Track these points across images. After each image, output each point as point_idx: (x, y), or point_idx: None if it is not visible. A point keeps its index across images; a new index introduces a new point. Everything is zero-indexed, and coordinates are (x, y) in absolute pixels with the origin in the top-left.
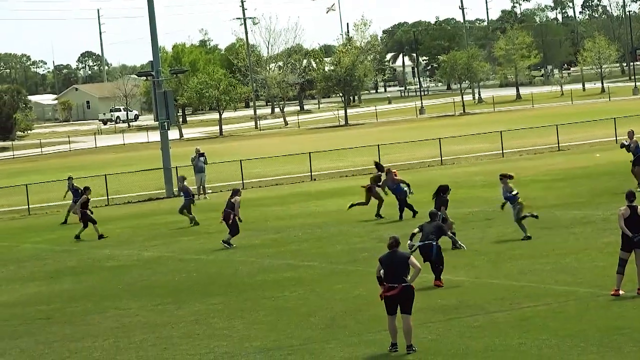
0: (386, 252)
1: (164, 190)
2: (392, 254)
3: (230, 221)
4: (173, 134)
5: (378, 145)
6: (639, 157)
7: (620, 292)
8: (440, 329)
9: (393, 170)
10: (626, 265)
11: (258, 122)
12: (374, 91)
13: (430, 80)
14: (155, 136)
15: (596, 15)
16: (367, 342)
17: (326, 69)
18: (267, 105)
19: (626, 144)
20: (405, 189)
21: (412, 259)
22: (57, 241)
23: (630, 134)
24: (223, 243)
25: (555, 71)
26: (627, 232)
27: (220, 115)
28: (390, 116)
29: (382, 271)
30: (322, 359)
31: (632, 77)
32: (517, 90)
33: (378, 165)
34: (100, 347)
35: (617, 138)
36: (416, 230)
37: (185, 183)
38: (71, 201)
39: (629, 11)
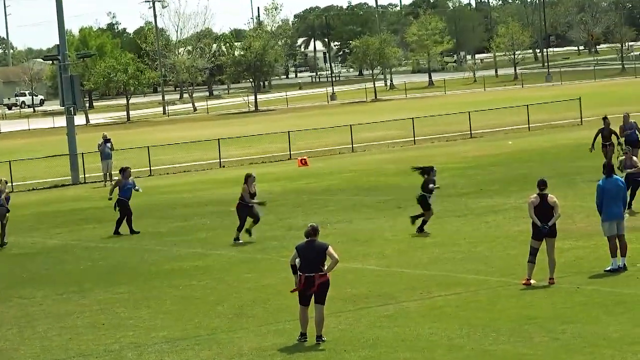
0: (303, 240)
1: (70, 177)
2: (310, 243)
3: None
4: (79, 119)
5: (288, 132)
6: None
7: (532, 281)
8: (350, 318)
9: None
10: (537, 254)
11: (166, 107)
12: (285, 77)
13: (342, 66)
14: (61, 122)
15: (510, 1)
16: (276, 332)
17: (236, 53)
18: (175, 90)
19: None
20: None
21: (330, 249)
22: None
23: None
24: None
25: (468, 57)
26: (536, 221)
27: (128, 100)
28: (302, 102)
29: (297, 260)
30: (230, 349)
31: (545, 64)
32: (430, 77)
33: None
34: (3, 336)
35: (530, 125)
36: None
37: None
38: None
39: None
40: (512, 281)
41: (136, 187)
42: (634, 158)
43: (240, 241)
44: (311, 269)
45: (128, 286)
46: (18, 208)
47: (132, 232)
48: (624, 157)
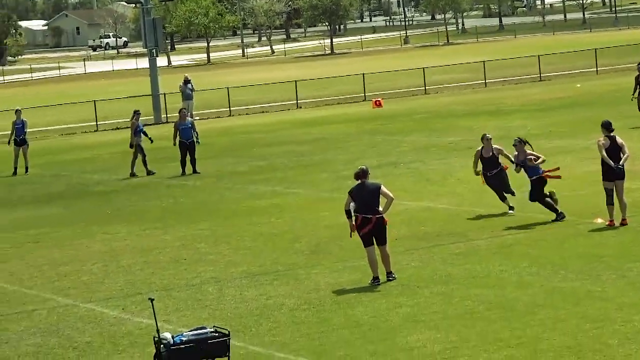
0: (356, 184)
1: (152, 117)
2: (361, 186)
3: None
4: (161, 61)
5: (363, 75)
6: None
7: (614, 222)
8: (423, 255)
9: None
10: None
11: (245, 50)
12: (360, 21)
13: (414, 11)
14: (143, 63)
15: None
16: (352, 269)
17: None
18: (254, 33)
19: None
20: None
21: (383, 188)
22: (46, 166)
23: None
24: None
25: (538, 2)
26: (610, 162)
27: (208, 43)
28: (376, 46)
29: (352, 204)
30: (307, 284)
31: (613, 9)
32: (500, 21)
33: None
34: (88, 270)
35: (598, 69)
36: None
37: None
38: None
39: None
40: (581, 220)
41: (197, 139)
42: None
43: None
44: (367, 210)
45: (209, 223)
46: (102, 146)
47: (149, 173)
48: None
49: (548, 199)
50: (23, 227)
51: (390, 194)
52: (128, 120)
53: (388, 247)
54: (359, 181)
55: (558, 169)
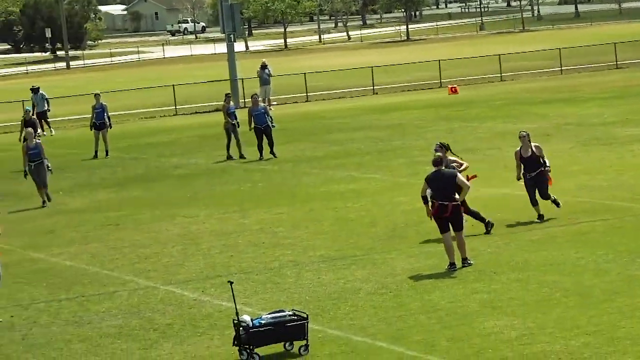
0: (432, 170)
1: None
2: (438, 173)
3: None
4: (239, 46)
5: (439, 61)
6: None
7: None
8: (499, 242)
9: None
10: None
11: (322, 36)
12: (435, 7)
13: None
14: (221, 48)
15: None
16: (428, 254)
17: None
18: (330, 19)
19: None
20: None
21: (460, 176)
22: (126, 149)
23: None
24: None
25: None
26: None
27: (285, 28)
28: (451, 32)
29: (428, 190)
30: (384, 268)
31: None
32: (576, 8)
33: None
34: (168, 253)
35: None
36: None
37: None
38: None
39: None
40: None
41: (273, 124)
42: None
43: None
44: (444, 197)
45: (287, 207)
46: (181, 130)
47: (232, 157)
48: None
49: (473, 209)
50: (104, 210)
51: (467, 183)
52: (206, 104)
53: (464, 234)
54: (437, 168)
55: (475, 176)
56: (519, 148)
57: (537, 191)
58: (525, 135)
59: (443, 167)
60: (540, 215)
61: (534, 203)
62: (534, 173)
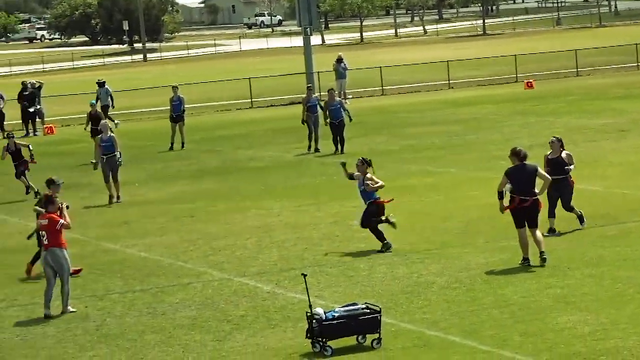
0: (512, 165)
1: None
2: (520, 167)
3: None
4: (315, 39)
5: (515, 56)
6: None
7: None
8: (573, 237)
9: None
10: None
11: (398, 30)
12: (512, 2)
13: None
14: (298, 41)
15: None
16: (502, 249)
17: None
18: (407, 13)
19: None
20: None
21: (540, 170)
22: (202, 142)
23: None
24: None
25: None
26: None
27: (362, 22)
28: (527, 27)
29: (507, 185)
30: (457, 263)
31: None
32: None
33: None
34: (242, 245)
35: None
36: None
37: None
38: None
39: None
40: None
41: (350, 117)
42: None
43: None
44: (525, 192)
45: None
46: (257, 122)
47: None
48: None
49: (379, 227)
50: (179, 202)
51: (548, 176)
52: (282, 97)
53: (539, 230)
54: (518, 162)
55: (392, 199)
56: (548, 153)
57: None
58: (555, 140)
59: (526, 161)
60: (552, 229)
61: (552, 214)
62: (559, 177)
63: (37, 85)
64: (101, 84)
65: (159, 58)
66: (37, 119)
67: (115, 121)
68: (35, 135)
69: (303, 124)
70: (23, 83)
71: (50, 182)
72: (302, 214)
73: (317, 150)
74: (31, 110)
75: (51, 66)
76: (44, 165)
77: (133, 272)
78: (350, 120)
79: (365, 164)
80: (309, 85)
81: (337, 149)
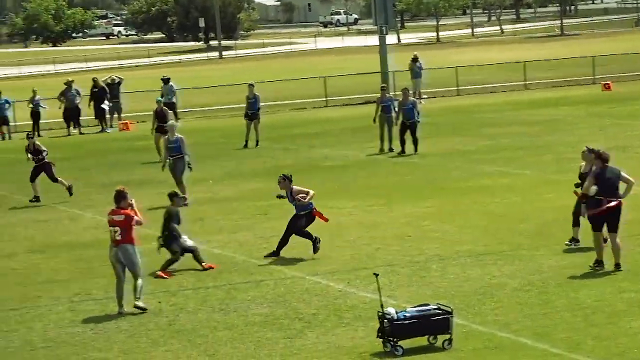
0: (599, 167)
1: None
2: (605, 170)
3: None
4: (391, 38)
5: (593, 58)
6: None
7: None
8: None
9: None
10: None
11: (474, 29)
12: (591, 2)
13: None
14: (373, 40)
15: None
16: (575, 251)
17: None
18: (484, 13)
19: None
20: None
21: (624, 173)
22: (277, 140)
23: None
24: None
25: None
26: None
27: (438, 21)
28: (606, 28)
29: (593, 187)
30: (530, 265)
31: None
32: None
33: None
34: None
35: None
36: None
37: None
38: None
39: None
40: None
41: (419, 118)
42: None
43: None
44: (609, 194)
45: (434, 201)
46: (332, 121)
47: (393, 149)
48: None
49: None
50: (252, 199)
51: (631, 179)
52: (357, 96)
53: (619, 237)
54: (601, 165)
55: (327, 220)
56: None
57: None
58: (584, 150)
59: (609, 164)
60: (576, 239)
61: (577, 223)
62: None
63: (116, 81)
64: (166, 81)
65: (234, 56)
66: (114, 115)
67: (178, 121)
68: (106, 131)
69: (374, 122)
70: (94, 80)
71: (173, 195)
72: (375, 214)
73: (390, 149)
74: (103, 107)
75: (127, 63)
76: (120, 161)
77: (207, 269)
78: (419, 121)
79: (286, 179)
80: (383, 85)
81: (402, 149)
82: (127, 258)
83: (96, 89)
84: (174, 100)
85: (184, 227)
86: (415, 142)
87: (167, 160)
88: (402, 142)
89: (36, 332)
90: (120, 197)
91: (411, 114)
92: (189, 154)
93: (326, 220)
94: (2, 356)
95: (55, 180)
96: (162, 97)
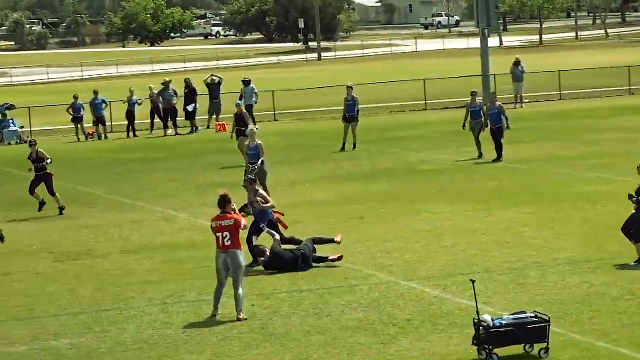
0: None
1: (481, 97)
2: None
3: None
4: (493, 41)
5: None
6: None
7: None
8: None
9: None
10: None
11: (578, 32)
12: None
13: None
14: (475, 43)
15: None
16: None
17: None
18: (588, 16)
19: None
20: None
21: None
22: (374, 142)
23: None
24: None
25: None
26: None
27: (541, 24)
28: None
29: None
30: (631, 274)
31: None
32: None
33: None
34: (411, 248)
35: None
36: None
37: None
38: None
39: None
40: None
41: (508, 125)
42: None
43: None
44: None
45: (533, 207)
46: (431, 124)
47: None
48: None
49: (254, 243)
50: (349, 202)
51: None
52: (456, 99)
53: None
54: None
55: (287, 227)
56: None
57: None
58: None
59: None
60: None
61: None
62: None
63: (216, 81)
64: (246, 82)
65: (333, 57)
66: (212, 115)
67: (256, 126)
68: (195, 132)
69: (463, 128)
70: (186, 80)
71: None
72: (472, 219)
73: (479, 155)
74: (189, 108)
75: (225, 63)
76: (215, 163)
77: (301, 272)
78: (508, 127)
79: (252, 182)
80: (474, 90)
81: (499, 155)
82: (235, 263)
83: (187, 90)
84: (254, 102)
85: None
86: (499, 148)
87: (248, 166)
88: (478, 144)
89: (128, 333)
90: (225, 202)
91: (497, 118)
92: (264, 159)
93: (286, 227)
94: (94, 357)
95: (53, 194)
96: (241, 99)
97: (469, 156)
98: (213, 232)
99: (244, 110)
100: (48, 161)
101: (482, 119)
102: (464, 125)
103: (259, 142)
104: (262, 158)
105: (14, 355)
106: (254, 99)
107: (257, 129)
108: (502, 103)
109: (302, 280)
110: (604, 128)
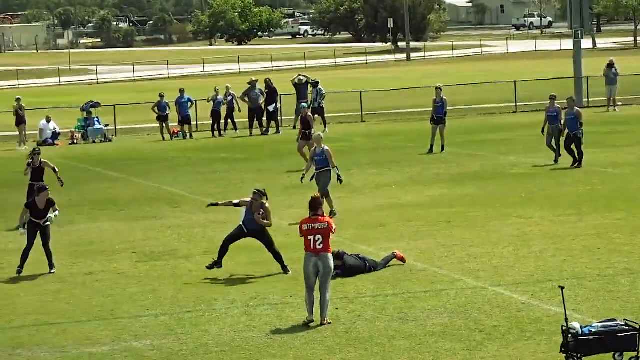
0: None
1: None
2: None
3: None
4: (586, 43)
5: None
6: None
7: None
8: None
9: None
10: None
11: None
12: None
13: None
14: (568, 44)
15: None
16: None
17: None
18: None
19: None
20: None
21: None
22: (463, 145)
23: None
24: None
25: None
26: None
27: (636, 26)
28: None
29: None
30: None
31: None
32: None
33: None
34: (499, 254)
35: None
36: None
37: None
38: None
39: None
40: None
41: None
42: None
43: None
44: None
45: (625, 212)
46: (521, 128)
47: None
48: None
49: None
50: (436, 206)
51: None
52: (548, 103)
53: None
54: None
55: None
56: None
57: None
58: None
59: None
60: None
61: None
62: None
63: (304, 81)
64: (315, 84)
65: (422, 58)
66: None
67: (326, 129)
68: (265, 134)
69: (542, 133)
70: (266, 81)
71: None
72: (562, 224)
73: (555, 161)
74: (270, 109)
75: (313, 63)
76: (300, 164)
77: (386, 276)
78: (581, 136)
79: (262, 196)
80: (553, 94)
81: (576, 160)
82: (327, 267)
83: (267, 90)
84: (322, 105)
85: (365, 232)
86: (580, 155)
87: (316, 173)
88: (552, 148)
89: (211, 336)
90: (317, 204)
91: (573, 124)
92: (338, 166)
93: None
94: (175, 359)
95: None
96: (310, 102)
97: (559, 160)
98: (303, 234)
99: (309, 114)
100: (56, 169)
101: (559, 124)
102: (543, 130)
103: (326, 147)
104: (335, 166)
105: (96, 355)
106: (319, 100)
107: (325, 132)
108: (595, 107)
109: (388, 284)
110: None
